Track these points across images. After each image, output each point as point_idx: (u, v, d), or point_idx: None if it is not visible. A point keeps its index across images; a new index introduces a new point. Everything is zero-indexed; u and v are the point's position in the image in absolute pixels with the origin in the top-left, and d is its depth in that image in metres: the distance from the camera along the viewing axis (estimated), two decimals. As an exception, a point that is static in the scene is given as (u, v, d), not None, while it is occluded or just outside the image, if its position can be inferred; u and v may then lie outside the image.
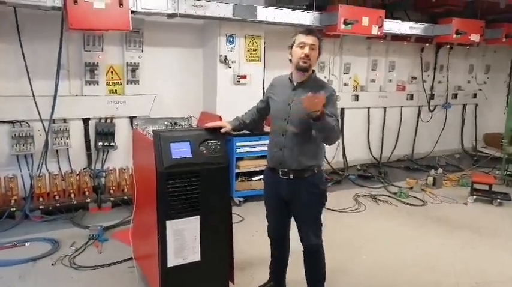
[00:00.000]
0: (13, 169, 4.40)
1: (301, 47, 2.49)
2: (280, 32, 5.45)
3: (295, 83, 2.58)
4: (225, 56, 4.89)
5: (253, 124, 2.94)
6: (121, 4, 3.55)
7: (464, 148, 8.09)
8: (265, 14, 4.60)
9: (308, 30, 2.56)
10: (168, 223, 2.54)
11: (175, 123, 3.17)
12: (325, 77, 6.10)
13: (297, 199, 2.61)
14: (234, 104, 5.01)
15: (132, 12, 3.86)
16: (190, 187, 2.56)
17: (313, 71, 2.62)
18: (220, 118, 4.73)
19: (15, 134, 4.31)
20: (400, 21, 5.72)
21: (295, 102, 2.51)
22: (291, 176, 2.57)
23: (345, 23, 4.81)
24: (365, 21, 4.97)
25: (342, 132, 6.19)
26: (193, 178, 2.56)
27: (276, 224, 2.81)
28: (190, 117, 3.28)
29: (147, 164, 2.70)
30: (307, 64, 2.50)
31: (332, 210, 4.65)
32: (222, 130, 2.71)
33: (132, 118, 4.92)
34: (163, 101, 5.03)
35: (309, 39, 2.48)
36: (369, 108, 6.81)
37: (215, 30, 4.88)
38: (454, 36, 5.84)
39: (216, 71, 4.96)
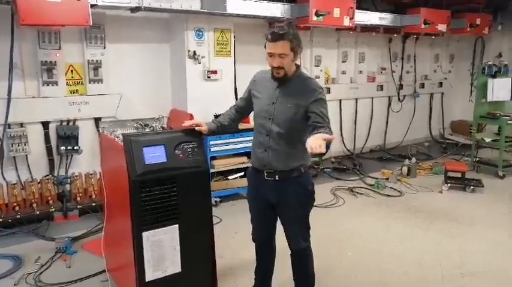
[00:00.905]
0: (-35, 180, 4.02)
1: (270, 56, 2.31)
2: (251, 24, 5.29)
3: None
4: (194, 51, 4.67)
5: (231, 125, 2.73)
6: (79, -3, 3.24)
7: (432, 136, 8.26)
8: (235, 6, 4.40)
9: (275, 35, 2.24)
10: (144, 234, 2.34)
11: (146, 125, 2.95)
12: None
13: (283, 201, 2.46)
14: (205, 101, 4.84)
15: (92, 6, 3.56)
16: (167, 194, 2.37)
17: (298, 66, 2.45)
18: (191, 116, 4.64)
19: (-35, 142, 3.91)
20: (369, 12, 5.68)
21: (280, 101, 2.37)
22: (277, 177, 2.42)
23: (317, 15, 4.69)
24: (336, 12, 4.88)
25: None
26: (169, 185, 2.37)
27: (262, 227, 2.65)
28: (162, 117, 3.07)
29: (117, 170, 2.48)
30: (281, 74, 2.34)
31: (311, 206, 4.56)
32: (197, 128, 2.51)
33: (97, 119, 4.61)
34: (130, 100, 4.75)
35: (277, 48, 2.25)
36: (340, 100, 6.78)
37: (182, 25, 4.64)
38: (423, 26, 5.87)
39: (184, 67, 4.72)
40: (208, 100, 4.80)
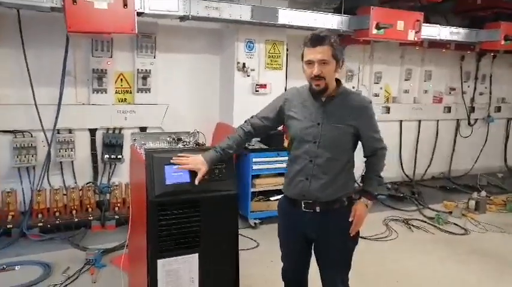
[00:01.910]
0: (14, 182, 4.11)
1: (309, 64, 2.02)
2: (305, 37, 5.00)
3: (323, 99, 2.11)
4: (243, 63, 4.47)
5: (237, 151, 2.33)
6: (125, 5, 3.18)
7: (508, 166, 7.32)
8: (288, 16, 4.15)
9: (314, 39, 1.98)
10: (159, 261, 2.12)
11: (179, 140, 2.75)
12: (353, 87, 5.59)
13: (324, 237, 2.14)
14: (251, 115, 4.59)
15: (139, 14, 3.50)
16: (188, 219, 2.13)
17: (338, 81, 2.15)
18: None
19: (16, 145, 4.02)
20: (438, 26, 5.14)
21: (327, 122, 2.08)
22: (318, 209, 2.10)
23: (378, 27, 4.28)
24: (400, 25, 4.43)
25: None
26: (191, 209, 2.13)
27: (295, 267, 2.32)
28: (197, 132, 2.85)
29: (141, 187, 2.28)
30: (322, 86, 2.03)
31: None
32: (198, 177, 2.09)
33: (142, 129, 4.58)
34: (177, 111, 4.66)
35: (317, 53, 1.97)
36: (401, 121, 6.22)
37: (233, 35, 4.48)
38: (503, 42, 5.19)
39: (233, 80, 4.55)
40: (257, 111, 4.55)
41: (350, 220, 2.11)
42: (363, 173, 2.26)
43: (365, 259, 3.60)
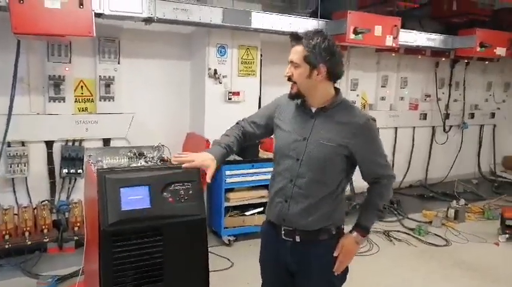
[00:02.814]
0: (-43, 201, 3.67)
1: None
2: (281, 42, 4.78)
3: (313, 110, 1.84)
4: (215, 70, 4.20)
5: (236, 152, 2.10)
6: (81, 4, 2.85)
7: (482, 173, 7.34)
8: (261, 20, 3.91)
9: (291, 37, 1.80)
10: (115, 301, 1.80)
11: (141, 155, 2.46)
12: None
13: (305, 272, 1.85)
14: (224, 125, 4.26)
15: (98, 15, 3.18)
16: (149, 249, 1.83)
17: (337, 90, 1.86)
18: (207, 142, 4.13)
19: (-41, 160, 3.59)
20: (416, 32, 5.04)
21: (316, 137, 1.79)
22: (298, 238, 1.82)
23: (355, 32, 4.11)
24: (378, 30, 4.28)
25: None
26: (153, 237, 1.83)
27: None
28: (162, 146, 2.56)
29: (93, 211, 1.97)
30: (293, 90, 1.81)
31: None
32: (208, 175, 1.80)
33: (106, 140, 4.22)
34: (143, 121, 4.32)
35: (291, 53, 1.79)
36: (378, 129, 6.08)
37: (203, 40, 4.20)
38: (478, 49, 5.15)
39: (204, 87, 4.26)
40: (228, 124, 4.21)
41: (335, 255, 1.83)
42: (361, 202, 1.98)
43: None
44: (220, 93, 4.31)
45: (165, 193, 1.87)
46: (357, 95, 5.71)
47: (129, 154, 2.47)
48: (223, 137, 2.03)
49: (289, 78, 1.79)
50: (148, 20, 3.42)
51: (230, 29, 3.96)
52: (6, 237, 3.56)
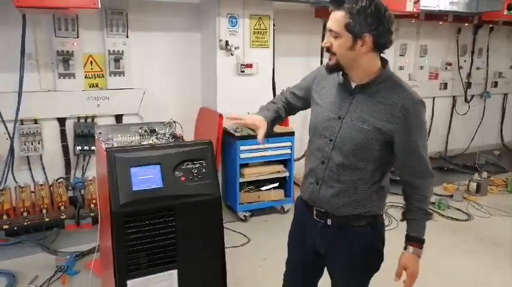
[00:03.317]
0: (-26, 180, 3.69)
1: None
2: (294, 10, 4.57)
3: (353, 86, 1.63)
4: (226, 41, 4.04)
5: (283, 119, 1.96)
6: (85, -26, 2.72)
7: (504, 144, 7.09)
8: (274, -13, 3.70)
9: (331, 1, 1.54)
10: (129, 282, 1.76)
11: (152, 131, 2.38)
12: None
13: (333, 258, 1.75)
14: (237, 99, 4.18)
15: (103, -15, 3.04)
16: (162, 230, 1.77)
17: (384, 62, 1.61)
18: (220, 116, 4.03)
19: (-26, 139, 3.59)
20: (438, -4, 4.75)
21: (351, 117, 1.60)
22: (329, 221, 1.70)
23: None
24: (398, -6, 4.03)
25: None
26: (166, 218, 1.77)
27: (298, 283, 1.91)
28: (174, 122, 2.47)
29: (104, 191, 1.91)
30: (332, 62, 1.58)
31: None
32: (259, 135, 1.69)
33: (118, 116, 4.17)
34: (155, 96, 4.24)
35: (330, 20, 1.54)
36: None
37: (213, 10, 4.03)
38: (506, 12, 4.83)
39: (215, 59, 4.12)
40: (241, 98, 4.16)
41: (396, 280, 1.68)
42: (404, 208, 1.76)
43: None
44: (232, 65, 4.17)
45: (177, 172, 1.79)
46: (375, 65, 5.48)
47: (140, 130, 2.39)
48: (270, 103, 1.91)
49: (328, 49, 1.56)
50: (155, -10, 3.26)
51: (241, -3, 3.77)
52: (25, 214, 3.61)
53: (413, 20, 5.30)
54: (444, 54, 6.15)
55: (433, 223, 4.03)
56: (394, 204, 4.49)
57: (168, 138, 2.29)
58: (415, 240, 1.68)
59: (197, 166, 1.83)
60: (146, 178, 1.73)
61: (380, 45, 1.53)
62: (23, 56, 3.53)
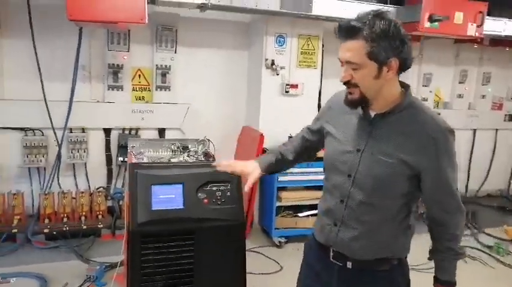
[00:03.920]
0: (24, 182, 3.86)
1: (341, 63, 1.41)
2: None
3: (372, 115, 1.47)
4: (272, 61, 3.97)
5: (296, 161, 1.83)
6: (135, -10, 2.78)
7: None
8: (324, 7, 3.60)
9: (341, 30, 1.36)
10: (142, 306, 1.67)
11: (185, 148, 2.33)
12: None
13: None
14: (280, 120, 4.07)
15: (152, 1, 3.10)
16: (180, 254, 1.68)
17: (405, 87, 1.46)
18: (261, 136, 3.93)
19: (27, 144, 3.76)
20: (505, 20, 4.38)
21: (372, 150, 1.43)
22: (349, 264, 1.52)
23: (431, 20, 3.63)
24: (459, 17, 3.75)
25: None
26: (184, 241, 1.67)
27: None
28: (207, 140, 2.41)
29: (128, 205, 1.86)
30: (355, 96, 1.40)
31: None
32: (247, 183, 1.60)
33: (161, 130, 4.21)
34: (199, 112, 4.24)
35: (345, 51, 1.36)
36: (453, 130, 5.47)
37: (262, 28, 3.99)
38: None
39: (260, 78, 4.06)
40: (285, 118, 4.07)
41: None
42: (431, 247, 1.58)
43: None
44: (277, 85, 4.09)
45: (200, 193, 1.70)
46: (430, 92, 5.16)
47: (172, 146, 2.35)
48: (281, 145, 1.83)
49: (347, 82, 1.39)
50: (202, 7, 3.28)
51: (289, 16, 3.70)
52: (65, 220, 3.69)
53: (476, 45, 4.93)
54: (511, 83, 5.66)
55: (490, 269, 3.66)
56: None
57: (199, 156, 2.22)
58: (446, 283, 1.52)
59: (222, 188, 1.73)
60: (167, 198, 1.65)
61: (406, 66, 1.38)
62: (76, 67, 3.69)
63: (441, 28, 3.75)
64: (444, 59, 5.19)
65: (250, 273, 2.63)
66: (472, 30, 3.84)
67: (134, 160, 2.05)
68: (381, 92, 1.40)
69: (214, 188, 1.72)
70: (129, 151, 2.32)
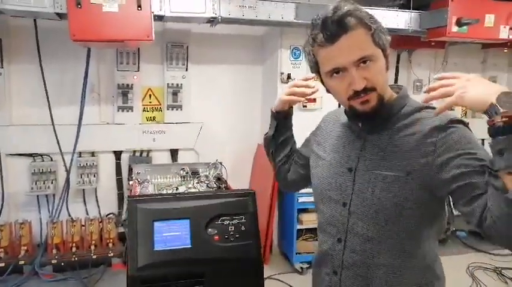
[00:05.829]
0: (32, 210, 3.71)
1: (335, 74, 1.13)
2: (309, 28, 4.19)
3: (359, 124, 1.22)
4: (288, 74, 3.76)
5: (281, 163, 1.63)
6: (139, 6, 2.62)
7: None
8: (341, 15, 3.37)
9: (329, 28, 1.09)
10: None
11: (195, 174, 2.11)
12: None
13: None
14: (298, 135, 3.84)
15: (160, 18, 2.94)
16: (188, 301, 1.43)
17: (398, 88, 1.23)
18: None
19: (35, 170, 3.62)
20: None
21: (368, 167, 1.14)
22: None
23: (459, 24, 3.36)
24: (489, 20, 3.47)
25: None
26: (192, 285, 1.43)
27: None
28: (219, 163, 2.19)
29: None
30: (373, 103, 1.11)
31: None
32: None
33: (173, 151, 4.02)
34: (212, 130, 4.04)
35: (344, 50, 1.08)
36: (483, 139, 5.09)
37: (276, 41, 3.79)
38: None
39: (276, 93, 3.84)
40: (303, 134, 3.80)
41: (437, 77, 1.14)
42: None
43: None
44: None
45: (210, 229, 1.46)
46: (457, 101, 4.84)
47: (181, 172, 2.14)
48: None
49: (365, 89, 1.09)
50: (213, 21, 3.10)
51: (305, 27, 3.48)
52: (74, 249, 3.51)
53: (506, 50, 4.61)
54: (543, 88, 5.30)
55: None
56: (481, 264, 3.76)
57: (210, 182, 2.00)
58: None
59: (235, 222, 1.49)
60: (172, 236, 1.42)
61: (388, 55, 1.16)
62: (84, 89, 3.56)
63: (470, 32, 3.47)
64: (470, 65, 4.87)
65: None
66: (505, 33, 3.54)
67: (138, 189, 1.83)
68: (386, 92, 1.17)
69: (226, 222, 1.48)
70: (133, 179, 2.11)
